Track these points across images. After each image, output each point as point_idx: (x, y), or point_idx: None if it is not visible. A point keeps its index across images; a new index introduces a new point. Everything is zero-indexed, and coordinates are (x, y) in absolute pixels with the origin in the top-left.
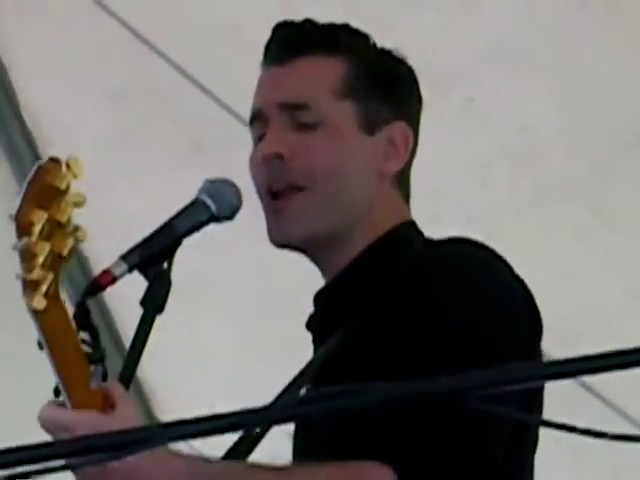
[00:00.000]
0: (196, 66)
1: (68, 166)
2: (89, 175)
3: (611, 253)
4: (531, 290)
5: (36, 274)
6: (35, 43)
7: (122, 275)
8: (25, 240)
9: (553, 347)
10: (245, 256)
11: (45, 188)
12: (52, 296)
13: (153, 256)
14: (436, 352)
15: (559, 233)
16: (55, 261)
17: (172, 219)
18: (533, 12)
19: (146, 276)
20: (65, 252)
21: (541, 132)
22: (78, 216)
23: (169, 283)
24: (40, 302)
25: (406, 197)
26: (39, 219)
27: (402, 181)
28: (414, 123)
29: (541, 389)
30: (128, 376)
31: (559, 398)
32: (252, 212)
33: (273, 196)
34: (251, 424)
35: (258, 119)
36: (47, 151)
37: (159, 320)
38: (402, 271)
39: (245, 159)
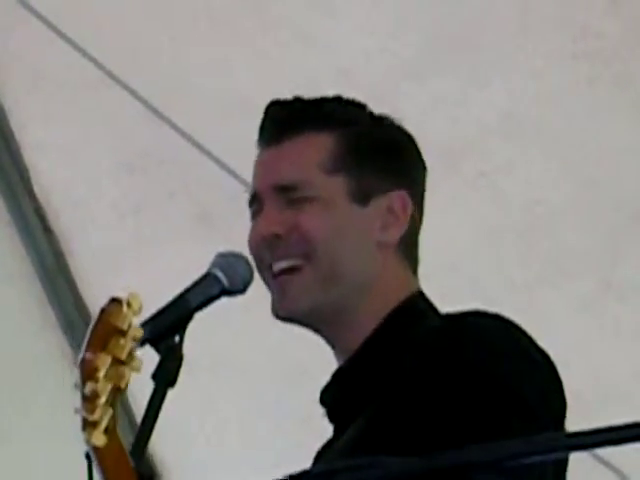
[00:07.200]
0: (209, 137)
1: (129, 304)
2: (101, 247)
3: (622, 325)
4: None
5: (97, 414)
6: (46, 117)
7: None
8: (91, 386)
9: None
10: (258, 330)
11: (108, 330)
12: (111, 430)
13: (165, 330)
14: (477, 424)
15: (570, 307)
16: (115, 396)
17: (184, 293)
18: (543, 87)
19: (158, 350)
20: (123, 385)
21: (550, 206)
22: (91, 288)
23: (181, 357)
24: (100, 439)
25: (413, 266)
26: (103, 364)
27: (407, 250)
28: (416, 189)
29: (563, 462)
30: (140, 451)
31: (572, 471)
32: (264, 287)
33: (273, 275)
34: None
35: (255, 201)
36: (57, 225)
37: (171, 395)
38: (425, 348)
39: None
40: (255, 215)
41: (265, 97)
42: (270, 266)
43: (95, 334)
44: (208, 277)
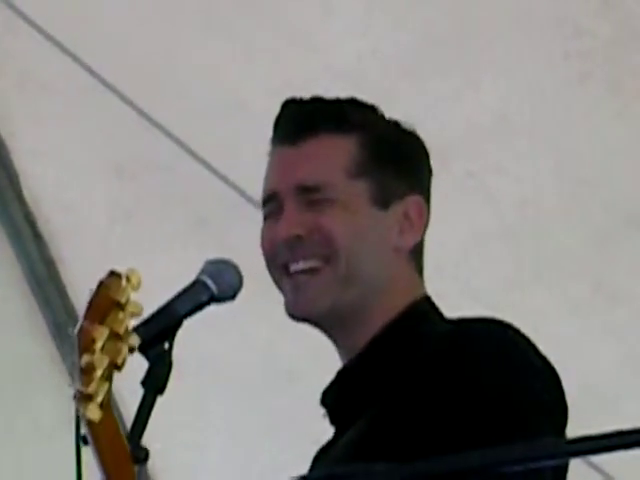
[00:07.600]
0: (200, 142)
1: (128, 279)
2: (92, 253)
3: (611, 328)
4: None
5: (93, 387)
6: (38, 122)
7: None
8: (87, 357)
9: None
10: (246, 334)
11: (106, 303)
12: (106, 405)
13: (154, 337)
14: (478, 431)
15: (559, 309)
16: (111, 371)
17: (173, 300)
18: (534, 87)
19: (147, 357)
20: (120, 361)
21: (541, 207)
22: (81, 295)
23: (170, 364)
24: (95, 413)
25: (420, 270)
26: (100, 335)
27: (417, 255)
28: (427, 195)
29: (563, 468)
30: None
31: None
32: (254, 291)
33: (289, 275)
34: None
35: (272, 200)
36: (47, 231)
37: (161, 400)
38: (430, 352)
39: (249, 236)
40: (271, 215)
41: (260, 100)
42: (284, 265)
43: (93, 307)
44: (197, 284)
